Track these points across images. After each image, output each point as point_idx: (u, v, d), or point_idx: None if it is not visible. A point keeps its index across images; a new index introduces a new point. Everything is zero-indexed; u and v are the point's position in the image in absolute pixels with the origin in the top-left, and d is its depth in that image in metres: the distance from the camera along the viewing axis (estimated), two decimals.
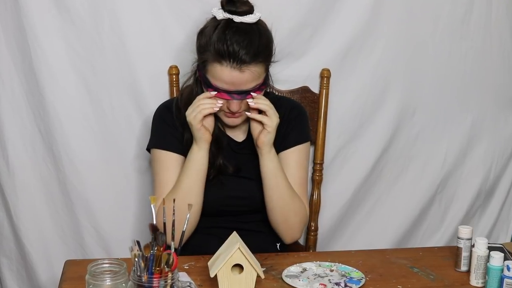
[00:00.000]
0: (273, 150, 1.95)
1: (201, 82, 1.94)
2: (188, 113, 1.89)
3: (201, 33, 1.93)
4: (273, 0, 2.18)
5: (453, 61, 2.46)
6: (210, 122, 1.92)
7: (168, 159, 1.98)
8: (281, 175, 1.96)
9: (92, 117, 2.27)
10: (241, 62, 1.83)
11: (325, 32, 2.30)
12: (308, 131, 2.12)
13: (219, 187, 1.99)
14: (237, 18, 1.87)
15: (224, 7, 1.89)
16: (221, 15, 1.89)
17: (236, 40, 1.84)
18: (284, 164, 2.00)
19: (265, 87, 1.94)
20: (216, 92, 1.87)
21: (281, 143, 2.01)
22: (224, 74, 1.85)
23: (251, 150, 2.00)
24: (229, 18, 1.88)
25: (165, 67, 2.24)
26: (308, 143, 2.08)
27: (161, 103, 2.09)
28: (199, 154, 1.92)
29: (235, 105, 1.89)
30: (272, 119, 1.90)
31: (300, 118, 2.07)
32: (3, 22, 2.16)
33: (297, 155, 2.04)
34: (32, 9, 2.14)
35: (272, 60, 1.95)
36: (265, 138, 1.91)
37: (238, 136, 2.05)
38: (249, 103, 1.89)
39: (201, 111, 1.87)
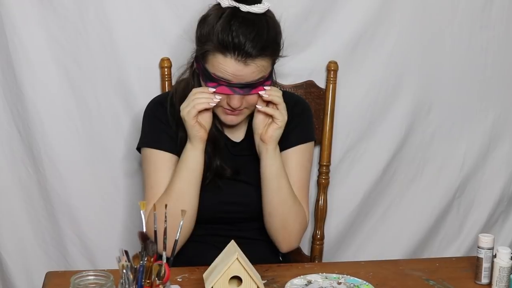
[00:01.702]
0: (278, 149, 1.95)
1: (198, 75, 1.94)
2: (182, 107, 1.89)
3: (203, 21, 1.91)
4: None
5: (472, 53, 2.46)
6: (206, 119, 1.91)
7: (160, 158, 1.98)
8: (284, 177, 1.96)
9: (76, 114, 2.27)
10: (247, 55, 1.82)
11: (332, 21, 2.31)
12: (312, 130, 2.12)
13: (215, 192, 1.99)
14: (244, 7, 1.86)
15: None
16: (226, 2, 1.87)
17: (242, 31, 1.83)
18: (284, 165, 1.99)
19: (269, 82, 1.93)
20: (214, 89, 1.87)
21: (282, 142, 1.99)
22: (227, 66, 1.84)
23: (250, 151, 2.00)
24: (235, 7, 1.86)
25: (156, 60, 2.25)
26: (312, 143, 2.09)
27: (151, 98, 2.08)
28: (193, 154, 1.91)
29: (236, 100, 1.88)
30: (283, 113, 1.90)
31: (304, 115, 2.07)
32: None
33: (299, 156, 2.04)
34: None
35: (280, 54, 1.95)
36: (273, 133, 1.91)
37: (236, 136, 2.05)
38: (261, 94, 1.88)
39: (195, 106, 1.86)
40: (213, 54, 1.85)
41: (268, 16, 1.91)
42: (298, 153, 2.04)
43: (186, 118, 1.87)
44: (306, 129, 2.07)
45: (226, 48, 1.82)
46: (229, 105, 1.89)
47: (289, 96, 2.10)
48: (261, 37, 1.85)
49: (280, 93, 1.91)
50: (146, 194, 1.99)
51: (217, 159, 1.98)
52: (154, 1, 2.21)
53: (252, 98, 1.90)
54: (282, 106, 1.90)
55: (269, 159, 1.93)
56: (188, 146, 1.92)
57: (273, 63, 1.94)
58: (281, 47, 1.95)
